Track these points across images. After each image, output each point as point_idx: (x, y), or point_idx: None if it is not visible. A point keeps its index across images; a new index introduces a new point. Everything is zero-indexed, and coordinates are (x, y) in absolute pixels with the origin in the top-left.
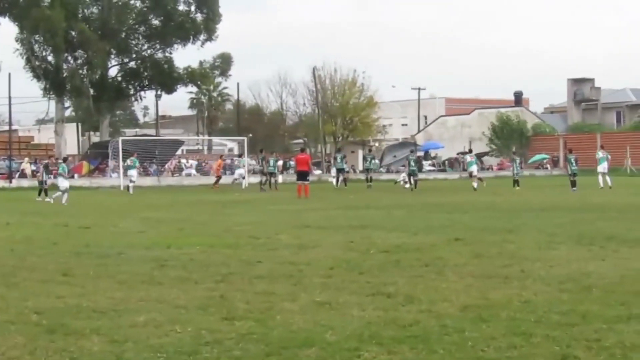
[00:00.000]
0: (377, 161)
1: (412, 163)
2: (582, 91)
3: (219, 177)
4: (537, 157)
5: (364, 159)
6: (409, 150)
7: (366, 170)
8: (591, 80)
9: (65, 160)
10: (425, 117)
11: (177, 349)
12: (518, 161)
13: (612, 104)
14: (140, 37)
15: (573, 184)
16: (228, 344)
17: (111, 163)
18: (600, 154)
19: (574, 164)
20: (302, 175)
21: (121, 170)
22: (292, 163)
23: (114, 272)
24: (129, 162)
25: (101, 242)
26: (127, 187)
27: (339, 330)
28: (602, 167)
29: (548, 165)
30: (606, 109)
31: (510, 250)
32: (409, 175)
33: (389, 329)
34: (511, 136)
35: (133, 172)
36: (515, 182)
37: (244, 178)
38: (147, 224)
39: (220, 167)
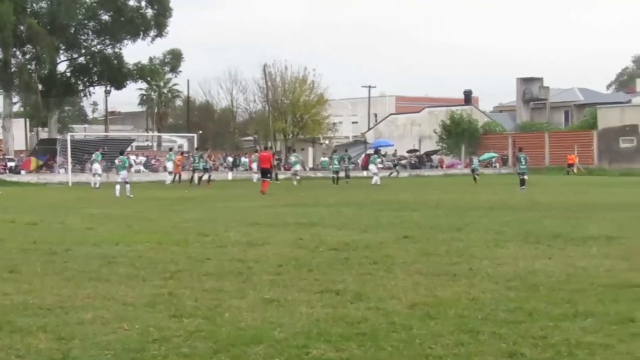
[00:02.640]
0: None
1: (335, 162)
2: (531, 90)
3: (179, 174)
4: (486, 155)
5: (342, 159)
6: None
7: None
8: (540, 80)
9: (122, 153)
10: (376, 115)
11: (124, 347)
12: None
13: (561, 103)
14: (90, 33)
15: (522, 182)
16: (176, 342)
17: (59, 159)
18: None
19: (523, 163)
20: (265, 173)
21: (69, 167)
22: (243, 160)
23: (61, 268)
24: (93, 156)
25: (48, 238)
26: (95, 183)
27: (288, 327)
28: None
29: (497, 164)
30: (554, 108)
31: (459, 248)
32: (335, 172)
33: (337, 326)
34: (461, 135)
35: (97, 167)
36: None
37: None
38: (95, 221)
39: (180, 163)
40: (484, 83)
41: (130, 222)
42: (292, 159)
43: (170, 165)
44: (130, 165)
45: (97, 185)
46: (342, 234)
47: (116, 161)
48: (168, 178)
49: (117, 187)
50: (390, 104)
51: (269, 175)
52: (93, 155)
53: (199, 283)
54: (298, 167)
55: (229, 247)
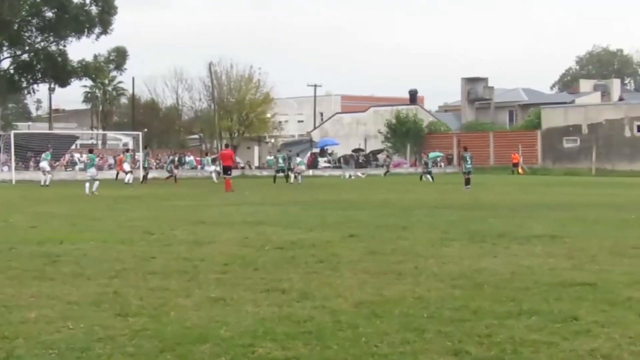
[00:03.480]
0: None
1: (280, 160)
2: (475, 90)
3: (130, 172)
4: (432, 154)
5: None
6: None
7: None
8: (485, 80)
9: (91, 151)
10: (321, 114)
11: (69, 346)
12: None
13: (505, 103)
14: (34, 29)
15: (467, 182)
16: (121, 340)
17: (2, 157)
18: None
19: (469, 162)
20: (226, 170)
21: (13, 165)
22: (188, 158)
23: (4, 267)
24: (43, 155)
25: None
26: (45, 180)
27: (234, 326)
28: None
29: (442, 163)
30: (499, 108)
31: (404, 247)
32: (277, 171)
33: (284, 325)
34: (407, 134)
35: (45, 165)
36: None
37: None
38: (39, 219)
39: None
40: (429, 83)
41: (75, 220)
42: (298, 159)
43: (127, 166)
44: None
45: (47, 183)
46: (288, 232)
47: (43, 155)
48: (127, 177)
49: (87, 184)
50: (336, 103)
51: (229, 172)
52: (43, 155)
53: (144, 282)
54: (303, 167)
55: (175, 246)
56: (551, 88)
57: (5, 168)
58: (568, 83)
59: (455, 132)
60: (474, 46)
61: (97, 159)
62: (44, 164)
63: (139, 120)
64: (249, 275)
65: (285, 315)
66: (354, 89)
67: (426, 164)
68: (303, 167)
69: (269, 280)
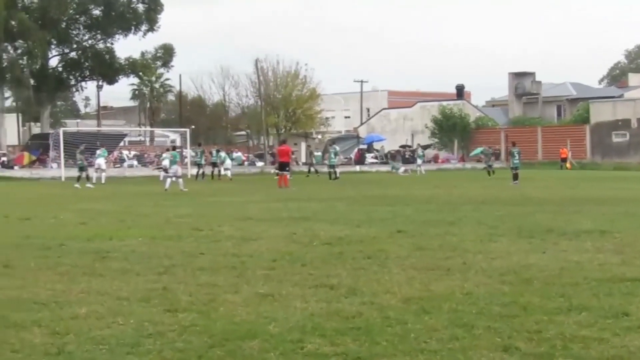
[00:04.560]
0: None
1: (332, 155)
2: (523, 85)
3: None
4: (478, 150)
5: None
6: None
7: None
8: (532, 74)
9: (174, 148)
10: (368, 110)
11: (119, 341)
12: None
13: (553, 97)
14: (81, 27)
15: (515, 177)
16: (171, 336)
17: (52, 154)
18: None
19: (517, 157)
20: (282, 166)
21: (62, 162)
22: (236, 154)
23: (54, 263)
24: (98, 152)
25: (42, 233)
26: (99, 178)
27: (282, 322)
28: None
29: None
30: (547, 103)
31: (452, 242)
32: (331, 166)
33: (332, 321)
34: (453, 129)
35: (101, 162)
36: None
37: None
38: (88, 216)
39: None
40: (476, 78)
41: (123, 217)
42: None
43: (178, 169)
44: (182, 160)
45: (103, 181)
46: (336, 228)
47: (167, 155)
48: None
49: (168, 180)
50: (383, 99)
51: (287, 169)
52: (98, 151)
53: (193, 278)
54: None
55: (223, 242)
56: (599, 82)
57: (55, 165)
58: (617, 77)
59: (502, 127)
60: (521, 40)
61: (180, 157)
62: (100, 161)
63: (186, 116)
64: (297, 271)
65: (333, 311)
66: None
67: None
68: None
69: (317, 276)
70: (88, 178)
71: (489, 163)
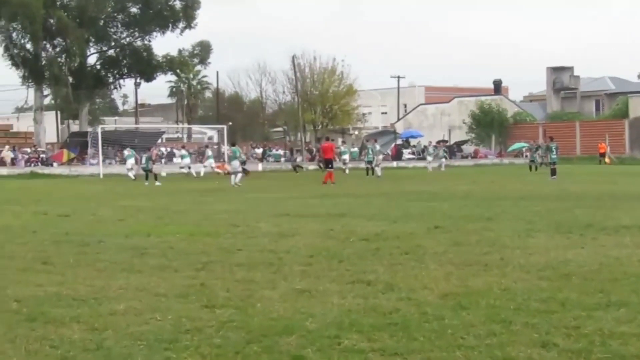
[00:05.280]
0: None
1: (370, 152)
2: (561, 80)
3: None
4: (517, 145)
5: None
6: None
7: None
8: (570, 69)
9: (234, 144)
10: (405, 106)
11: (157, 337)
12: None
13: (591, 92)
14: (119, 25)
15: (553, 172)
16: (208, 332)
17: (90, 151)
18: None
19: (555, 152)
20: (327, 163)
21: (100, 159)
22: (274, 151)
23: (93, 260)
24: (126, 152)
25: (80, 230)
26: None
27: (319, 318)
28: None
29: (527, 154)
30: (585, 98)
31: (490, 238)
32: (368, 162)
33: (369, 317)
34: (491, 124)
35: (132, 162)
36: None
37: (189, 168)
38: (126, 212)
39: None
40: (514, 73)
41: (161, 213)
42: (341, 148)
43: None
44: (242, 158)
45: (134, 178)
46: (372, 224)
47: (125, 152)
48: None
49: (232, 176)
50: (420, 94)
51: (330, 166)
52: (126, 152)
53: (230, 274)
54: (347, 156)
55: (260, 238)
56: (639, 76)
57: (94, 161)
58: None
59: (540, 122)
60: (559, 35)
61: (240, 152)
62: (131, 162)
63: (223, 113)
64: (334, 267)
65: (370, 307)
66: (437, 80)
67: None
68: (346, 157)
69: (354, 272)
70: (156, 177)
71: (533, 158)
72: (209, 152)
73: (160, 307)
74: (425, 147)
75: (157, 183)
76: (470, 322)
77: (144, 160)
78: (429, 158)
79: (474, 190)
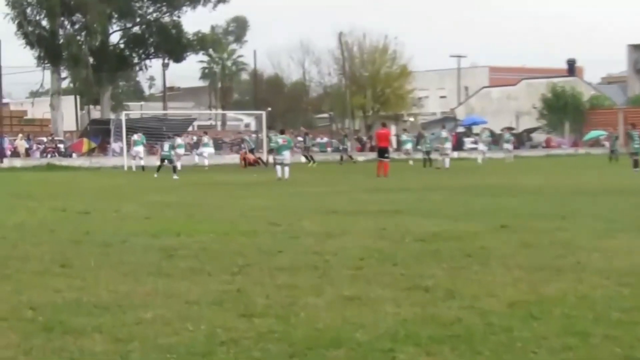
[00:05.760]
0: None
1: (427, 141)
2: None
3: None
4: (594, 133)
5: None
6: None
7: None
8: None
9: (282, 132)
10: (466, 89)
11: (189, 350)
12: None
13: None
14: (145, 0)
15: (635, 163)
16: (246, 344)
17: (113, 142)
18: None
19: (637, 141)
20: (383, 152)
21: (124, 148)
22: (320, 140)
23: (117, 262)
24: (135, 137)
25: (103, 229)
26: (135, 165)
27: (371, 328)
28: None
29: (605, 143)
30: None
31: (564, 239)
32: (426, 152)
33: (427, 328)
34: (564, 110)
35: (140, 149)
36: None
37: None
38: (153, 209)
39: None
40: (589, 51)
41: (192, 210)
42: (403, 137)
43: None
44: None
45: (133, 169)
46: (431, 223)
47: (135, 136)
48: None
49: (278, 167)
50: (483, 76)
51: (387, 155)
52: (135, 136)
53: (270, 278)
54: (409, 146)
55: (304, 238)
56: None
57: (118, 148)
58: None
59: (621, 107)
60: None
61: (294, 142)
62: (139, 149)
63: (262, 98)
64: (387, 270)
65: (429, 317)
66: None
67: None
68: (409, 147)
69: (410, 276)
70: (174, 169)
71: (613, 148)
72: (206, 139)
73: (191, 315)
74: (477, 134)
75: (175, 177)
76: (542, 334)
77: (166, 148)
78: (482, 146)
79: (546, 185)
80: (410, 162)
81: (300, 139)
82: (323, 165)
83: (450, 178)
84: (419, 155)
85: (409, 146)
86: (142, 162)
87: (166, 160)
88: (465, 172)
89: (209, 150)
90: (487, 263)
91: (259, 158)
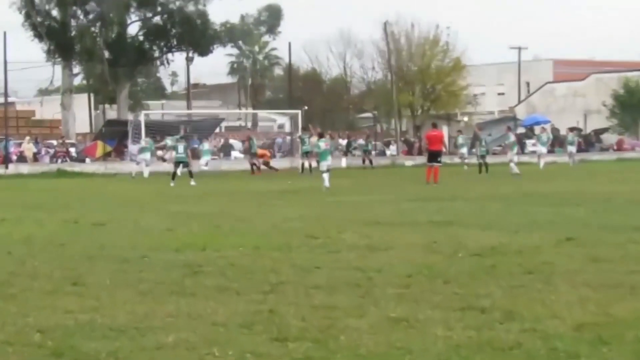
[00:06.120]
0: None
1: (483, 143)
2: None
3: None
4: None
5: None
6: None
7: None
8: None
9: (321, 135)
10: (528, 84)
11: None
12: None
13: None
14: None
15: None
16: None
17: (131, 146)
18: None
19: None
20: (434, 156)
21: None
22: (360, 142)
23: (135, 280)
24: (143, 142)
25: (119, 242)
26: (138, 173)
27: (419, 354)
28: None
29: None
30: None
31: (637, 252)
32: (481, 156)
33: (483, 353)
34: (639, 108)
35: (147, 156)
36: None
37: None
38: (175, 220)
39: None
40: None
41: (219, 221)
42: (460, 140)
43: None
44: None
45: (134, 175)
46: (487, 235)
47: (322, 144)
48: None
49: (325, 176)
50: (547, 70)
51: (439, 160)
52: (143, 142)
53: (306, 298)
54: (465, 150)
55: (344, 253)
56: None
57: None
58: None
59: None
60: None
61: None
62: (146, 156)
63: (297, 96)
64: (438, 289)
65: (485, 341)
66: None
67: None
68: (464, 151)
69: (463, 295)
70: (191, 174)
71: None
72: (207, 145)
73: (218, 339)
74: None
75: (192, 182)
76: None
77: (181, 149)
78: (541, 149)
79: (618, 192)
80: (465, 167)
81: (342, 141)
82: (365, 171)
83: (509, 185)
84: (475, 160)
85: (464, 150)
86: (146, 171)
87: (181, 164)
88: (526, 178)
89: (206, 158)
90: (551, 280)
91: (254, 163)
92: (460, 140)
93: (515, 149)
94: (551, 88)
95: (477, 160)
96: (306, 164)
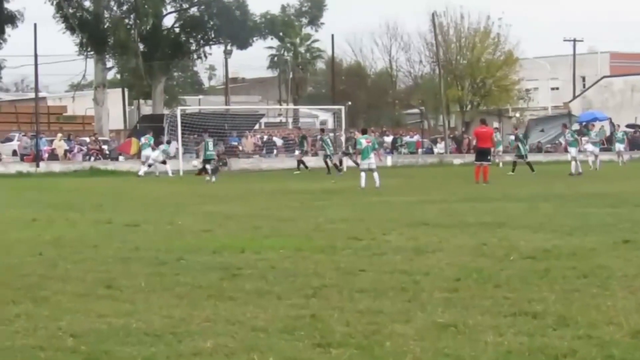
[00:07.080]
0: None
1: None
2: None
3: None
4: None
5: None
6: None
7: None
8: None
9: (364, 131)
10: (583, 79)
11: None
12: None
13: None
14: None
15: None
16: None
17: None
18: None
19: None
20: (483, 154)
21: (180, 150)
22: (407, 139)
23: (171, 283)
24: (143, 140)
25: (154, 244)
26: (145, 171)
27: None
28: None
29: None
30: None
31: None
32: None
33: None
34: None
35: (157, 154)
36: None
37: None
38: (213, 221)
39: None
40: None
41: (259, 222)
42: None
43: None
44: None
45: (141, 174)
46: (540, 237)
47: (363, 141)
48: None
49: (363, 175)
50: (604, 64)
51: (488, 158)
52: (143, 139)
53: (351, 302)
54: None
55: (390, 255)
56: None
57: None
58: None
59: None
60: None
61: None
62: (156, 154)
63: (341, 90)
64: (488, 293)
65: (537, 348)
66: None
67: None
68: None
69: (515, 300)
70: (213, 171)
71: None
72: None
73: (258, 345)
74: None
75: (212, 179)
76: None
77: (211, 147)
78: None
79: None
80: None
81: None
82: (412, 170)
83: (564, 185)
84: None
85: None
86: (142, 169)
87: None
88: (580, 177)
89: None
90: (607, 285)
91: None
92: (513, 137)
93: (577, 147)
94: (608, 82)
95: (525, 160)
96: (330, 163)
